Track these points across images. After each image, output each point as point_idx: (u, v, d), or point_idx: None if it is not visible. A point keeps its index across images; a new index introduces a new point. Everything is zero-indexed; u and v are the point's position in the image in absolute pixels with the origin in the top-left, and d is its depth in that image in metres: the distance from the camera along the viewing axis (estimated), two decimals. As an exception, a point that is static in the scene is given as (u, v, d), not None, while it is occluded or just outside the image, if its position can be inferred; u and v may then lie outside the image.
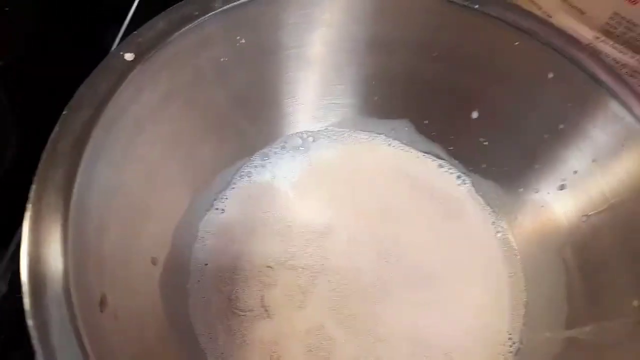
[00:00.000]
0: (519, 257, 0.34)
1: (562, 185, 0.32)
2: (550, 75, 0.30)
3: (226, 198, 0.34)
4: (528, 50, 0.30)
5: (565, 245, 0.32)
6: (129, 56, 0.25)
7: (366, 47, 0.33)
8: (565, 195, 0.32)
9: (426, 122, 0.36)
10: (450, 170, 0.37)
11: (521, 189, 0.34)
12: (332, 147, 0.37)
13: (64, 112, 0.23)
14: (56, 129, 0.22)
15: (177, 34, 0.27)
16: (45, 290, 0.18)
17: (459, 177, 0.37)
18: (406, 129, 0.37)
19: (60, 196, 0.20)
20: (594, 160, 0.30)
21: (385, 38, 0.33)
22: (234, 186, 0.34)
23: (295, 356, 0.29)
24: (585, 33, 0.35)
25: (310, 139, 0.37)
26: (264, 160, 0.35)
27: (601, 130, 0.29)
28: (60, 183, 0.21)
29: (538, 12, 0.36)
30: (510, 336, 0.32)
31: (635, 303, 0.27)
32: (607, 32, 0.34)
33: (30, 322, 0.17)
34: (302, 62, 0.33)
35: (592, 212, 0.30)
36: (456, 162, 0.37)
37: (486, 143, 0.35)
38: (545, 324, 0.31)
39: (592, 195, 0.30)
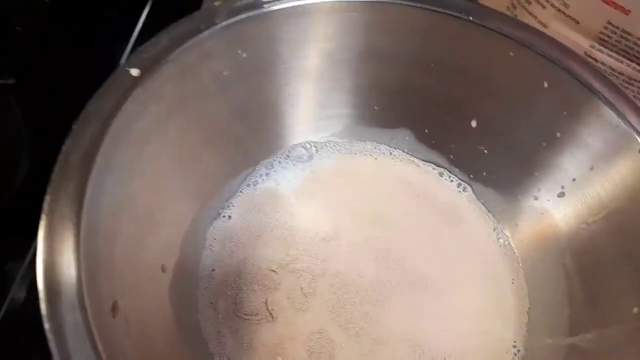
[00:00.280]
0: (520, 263, 0.34)
1: (562, 192, 0.32)
2: (546, 84, 0.31)
3: (233, 205, 0.35)
4: (523, 60, 0.31)
5: (565, 251, 0.32)
6: (134, 72, 0.26)
7: (363, 58, 0.34)
8: (565, 202, 0.32)
9: (426, 131, 0.37)
10: (451, 178, 0.37)
11: (521, 196, 0.35)
12: (334, 156, 0.37)
13: (73, 127, 0.23)
14: (66, 143, 0.23)
15: (180, 49, 0.27)
16: (60, 297, 0.19)
17: (459, 184, 0.37)
18: (406, 138, 0.37)
19: (72, 207, 0.21)
20: (591, 168, 0.31)
21: (382, 50, 0.33)
22: (239, 194, 0.35)
23: (298, 359, 0.30)
24: (580, 42, 0.36)
25: (313, 149, 0.37)
26: (269, 169, 0.36)
27: (597, 138, 0.30)
28: (72, 195, 0.21)
29: (533, 22, 0.37)
30: (514, 343, 0.32)
31: (635, 310, 0.27)
32: (602, 41, 0.35)
33: (46, 326, 0.18)
34: (301, 74, 0.34)
35: (591, 219, 0.31)
36: (457, 170, 0.37)
37: (486, 151, 0.35)
38: (547, 331, 0.32)
39: (591, 202, 0.31)
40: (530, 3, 0.37)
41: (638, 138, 0.28)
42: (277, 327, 0.31)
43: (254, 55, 0.31)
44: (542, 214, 0.34)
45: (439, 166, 0.38)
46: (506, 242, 0.35)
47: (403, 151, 0.38)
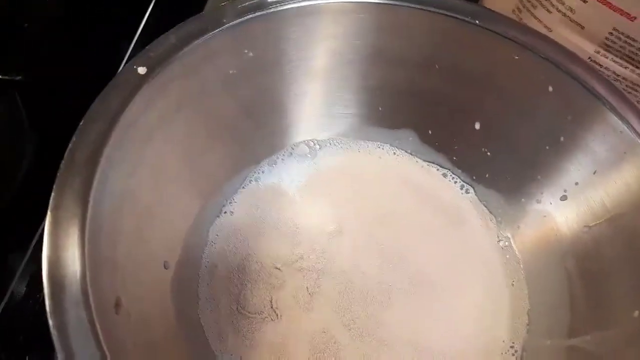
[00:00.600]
0: (521, 265, 0.35)
1: (564, 196, 0.33)
2: (550, 88, 0.31)
3: (235, 202, 0.35)
4: (528, 64, 0.31)
5: (567, 254, 0.32)
6: (141, 70, 0.26)
7: (369, 60, 0.34)
8: (567, 206, 0.32)
9: (430, 132, 0.37)
10: (454, 180, 0.37)
11: (524, 199, 0.35)
12: (338, 154, 0.37)
13: (80, 124, 0.23)
14: (73, 139, 0.23)
15: (187, 48, 0.28)
16: (64, 292, 0.19)
17: (462, 186, 0.37)
18: (410, 138, 0.37)
19: (77, 203, 0.21)
20: (594, 172, 0.31)
21: (388, 52, 0.33)
22: (242, 190, 0.35)
23: (302, 358, 0.30)
24: (585, 47, 0.36)
25: (317, 146, 0.37)
26: (272, 166, 0.36)
27: (601, 143, 0.30)
28: (78, 191, 0.22)
29: (539, 26, 0.37)
30: (512, 344, 0.32)
31: (635, 313, 0.27)
32: (607, 47, 0.35)
33: (51, 322, 0.18)
34: (307, 73, 0.34)
35: (593, 223, 0.31)
36: (459, 171, 0.37)
37: (489, 154, 0.35)
38: (547, 333, 0.32)
39: (593, 206, 0.31)
40: (535, 7, 0.37)
41: (642, 143, 0.28)
42: (281, 325, 0.31)
43: (261, 54, 0.31)
44: (545, 216, 0.34)
45: (442, 167, 0.38)
46: (507, 244, 0.35)
47: (406, 152, 0.38)
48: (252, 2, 0.29)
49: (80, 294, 0.19)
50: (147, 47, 0.27)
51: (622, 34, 0.34)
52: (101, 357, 0.18)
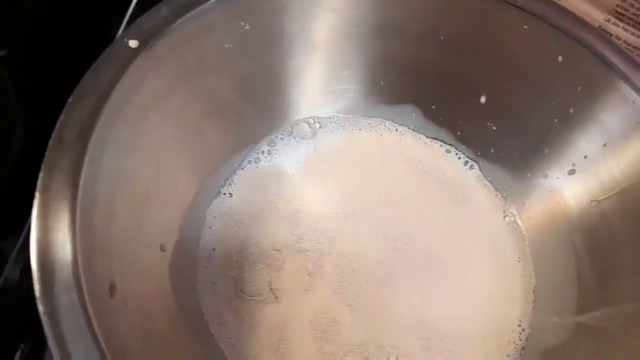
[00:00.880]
0: (527, 242, 0.34)
1: (572, 170, 0.32)
2: (560, 58, 0.30)
3: (233, 183, 0.34)
4: (537, 33, 0.30)
5: (575, 230, 0.31)
6: (133, 43, 0.25)
7: (371, 32, 0.33)
8: (575, 180, 0.32)
9: (433, 107, 0.36)
10: (458, 156, 0.37)
11: (530, 174, 0.34)
12: (339, 132, 0.37)
13: (69, 100, 0.23)
14: (62, 117, 0.22)
15: (180, 20, 0.27)
16: (54, 277, 0.18)
17: (466, 162, 0.36)
18: (413, 114, 0.36)
19: (67, 184, 0.21)
20: (604, 145, 0.30)
21: (391, 23, 0.32)
22: (240, 171, 0.34)
23: (302, 340, 0.30)
24: (595, 15, 0.35)
25: (317, 124, 0.37)
26: (271, 146, 0.35)
27: (612, 114, 0.29)
28: (68, 171, 0.21)
29: (548, -6, 0.36)
30: (519, 322, 0.32)
31: (646, 288, 0.27)
32: (618, 14, 0.34)
33: (40, 308, 0.18)
34: (307, 47, 0.33)
35: (602, 197, 0.30)
36: (464, 147, 0.37)
37: (495, 128, 0.35)
38: (554, 309, 0.31)
39: (603, 180, 0.30)
40: (544, -27, 0.36)
41: (656, 114, 0.27)
42: (280, 307, 0.30)
43: (258, 27, 0.30)
44: (552, 192, 0.33)
45: (446, 143, 0.37)
46: (513, 220, 0.35)
47: (409, 128, 0.37)
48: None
49: (72, 279, 0.18)
50: (138, 20, 0.26)
51: (636, 1, 0.32)
52: (94, 342, 0.18)
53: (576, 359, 0.29)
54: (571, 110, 0.31)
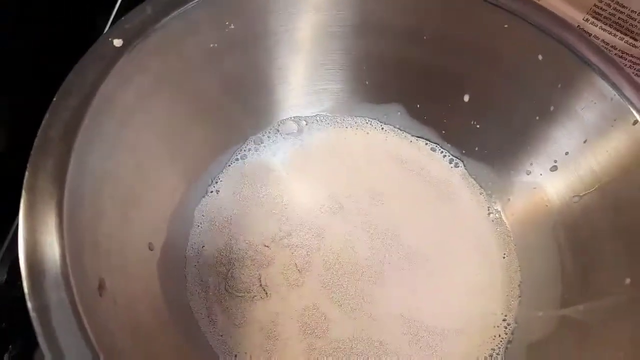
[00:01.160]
0: (512, 238, 0.35)
1: (554, 166, 0.32)
2: (540, 57, 0.30)
3: (220, 180, 0.34)
4: (517, 32, 0.30)
5: (558, 225, 0.32)
6: (117, 42, 0.25)
7: (355, 31, 0.33)
8: (557, 176, 0.32)
9: (418, 106, 0.36)
10: (443, 154, 0.37)
11: (513, 171, 0.35)
12: (325, 131, 0.37)
13: (54, 100, 0.22)
14: (46, 116, 0.22)
15: (165, 19, 0.26)
16: (43, 275, 0.18)
17: (451, 160, 0.37)
18: (398, 113, 0.37)
19: (53, 183, 0.20)
20: (585, 141, 0.30)
21: (375, 22, 0.33)
22: (227, 168, 0.34)
23: (292, 335, 0.30)
24: (574, 15, 0.35)
25: (303, 122, 0.37)
26: (258, 144, 0.35)
27: (591, 111, 0.30)
28: (53, 170, 0.21)
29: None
30: (504, 317, 0.32)
31: (627, 281, 0.28)
32: (596, 14, 0.35)
33: (29, 305, 0.17)
34: (292, 47, 0.33)
35: (583, 192, 0.31)
36: (449, 145, 0.37)
37: (478, 126, 0.35)
38: (539, 304, 0.32)
39: (583, 175, 0.31)
40: (524, -26, 0.36)
41: (633, 110, 0.28)
42: (270, 303, 0.31)
43: (242, 26, 0.30)
44: (535, 188, 0.34)
45: (431, 141, 0.37)
46: (497, 217, 0.35)
47: (394, 127, 0.37)
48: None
49: (61, 276, 0.18)
50: (122, 19, 0.26)
51: (612, 0, 0.33)
52: (84, 338, 0.18)
53: (560, 352, 0.29)
54: (552, 108, 0.31)
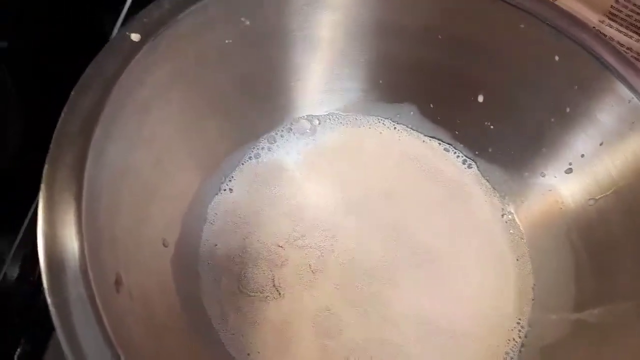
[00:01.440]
0: (525, 240, 0.34)
1: (569, 168, 0.32)
2: (556, 58, 0.30)
3: (234, 179, 0.34)
4: (534, 32, 0.30)
5: (572, 228, 0.32)
6: (135, 37, 0.25)
7: (372, 31, 0.33)
8: (572, 178, 0.32)
9: (431, 106, 0.36)
10: (456, 154, 0.37)
11: (527, 173, 0.34)
12: (339, 130, 0.36)
13: (72, 94, 0.22)
14: (65, 110, 0.22)
15: (182, 14, 0.26)
16: (63, 269, 0.18)
17: (464, 161, 0.37)
18: (412, 113, 0.37)
19: (72, 177, 0.20)
20: (601, 144, 0.30)
21: (391, 22, 0.33)
22: (241, 167, 0.34)
23: (305, 336, 0.30)
24: (589, 16, 0.35)
25: (316, 121, 0.36)
26: (271, 142, 0.35)
27: (608, 113, 0.29)
28: (72, 164, 0.21)
29: (543, -3, 0.36)
30: (518, 320, 0.32)
31: (643, 285, 0.27)
32: (612, 16, 0.34)
33: (49, 300, 0.17)
34: (307, 45, 0.33)
35: (599, 196, 0.30)
36: (462, 146, 0.37)
37: (492, 127, 0.35)
38: (553, 307, 0.31)
39: (599, 179, 0.30)
40: (540, -25, 0.36)
41: (651, 114, 0.28)
42: (283, 304, 0.30)
43: (258, 23, 0.30)
44: (549, 190, 0.33)
45: (444, 142, 0.37)
46: (511, 219, 0.35)
47: (407, 126, 0.37)
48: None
49: (80, 271, 0.18)
50: (140, 13, 0.26)
51: (628, 2, 0.33)
52: (103, 334, 0.17)
53: (574, 356, 0.29)
54: (568, 110, 0.31)
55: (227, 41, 0.30)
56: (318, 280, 0.31)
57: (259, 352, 0.29)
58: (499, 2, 0.30)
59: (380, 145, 0.36)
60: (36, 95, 0.30)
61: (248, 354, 0.29)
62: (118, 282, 0.21)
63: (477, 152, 0.36)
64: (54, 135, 0.21)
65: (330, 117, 0.37)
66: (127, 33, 0.25)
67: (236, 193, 0.33)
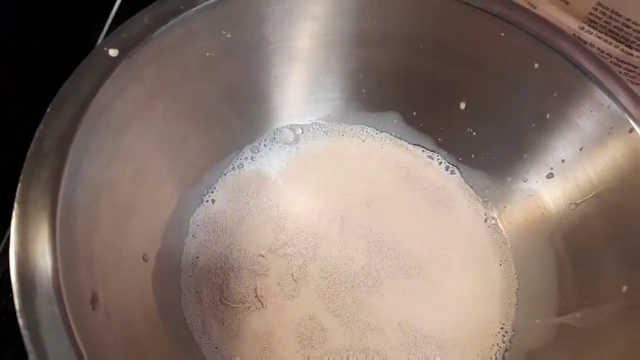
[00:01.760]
0: (509, 245, 0.35)
1: (550, 173, 0.32)
2: (536, 65, 0.30)
3: (216, 189, 0.34)
4: (514, 41, 0.30)
5: (555, 233, 0.32)
6: (113, 52, 0.25)
7: (352, 40, 0.33)
8: (554, 183, 0.32)
9: (414, 113, 0.36)
10: (440, 161, 0.37)
11: (510, 179, 0.35)
12: (322, 139, 0.37)
13: (48, 110, 0.22)
14: (41, 126, 0.22)
15: (161, 29, 0.26)
16: (35, 289, 0.18)
17: (447, 167, 0.37)
18: (395, 121, 0.37)
19: (47, 194, 0.20)
20: (581, 149, 0.31)
21: (371, 31, 0.33)
22: (223, 177, 0.34)
23: (288, 346, 0.29)
24: (569, 23, 0.35)
25: (300, 130, 0.36)
26: (254, 152, 0.35)
27: (587, 119, 0.30)
28: (47, 181, 0.20)
29: (523, 3, 0.36)
30: (502, 325, 0.32)
31: (624, 288, 0.27)
32: (591, 22, 0.35)
33: (20, 322, 0.17)
34: (288, 56, 0.33)
35: (580, 200, 0.31)
36: (445, 153, 0.37)
37: (474, 133, 0.35)
38: (537, 312, 0.32)
39: (580, 183, 0.31)
40: (519, -18, 0.37)
41: (629, 119, 0.28)
42: (266, 314, 0.30)
43: (239, 35, 0.30)
44: (531, 195, 0.34)
45: (427, 149, 0.37)
46: (494, 224, 0.35)
47: (391, 134, 0.37)
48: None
49: (53, 290, 0.18)
50: (118, 28, 0.25)
51: (607, 8, 0.33)
52: (77, 356, 0.17)
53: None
54: (548, 116, 0.31)
55: (208, 54, 0.30)
56: (300, 289, 0.31)
57: (241, 365, 0.29)
58: (480, 10, 0.30)
59: (364, 153, 0.36)
60: (17, 108, 0.30)
61: (231, 367, 0.29)
62: (94, 300, 0.20)
63: (460, 159, 0.37)
64: (29, 151, 0.21)
65: (314, 126, 0.37)
66: (105, 48, 0.25)
67: (218, 204, 0.33)
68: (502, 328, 0.32)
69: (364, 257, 0.33)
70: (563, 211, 0.32)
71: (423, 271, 0.33)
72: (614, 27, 0.34)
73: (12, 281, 0.18)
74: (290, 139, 0.36)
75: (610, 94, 0.29)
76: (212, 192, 0.34)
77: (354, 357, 0.30)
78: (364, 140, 0.37)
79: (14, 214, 0.19)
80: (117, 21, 0.37)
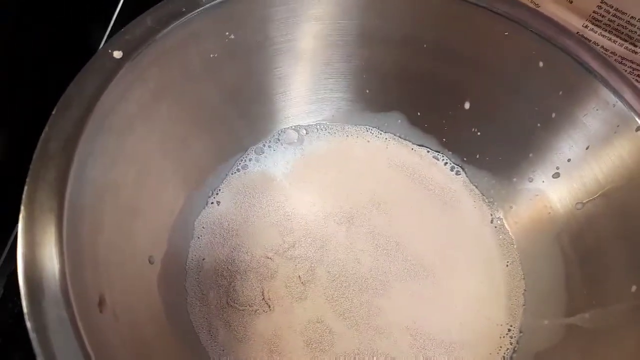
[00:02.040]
0: (515, 246, 0.34)
1: (557, 173, 0.32)
2: (541, 64, 0.30)
3: (221, 191, 0.33)
4: (518, 39, 0.30)
5: (561, 233, 0.32)
6: (117, 54, 0.25)
7: (356, 40, 0.33)
8: (560, 183, 0.32)
9: (418, 114, 0.36)
10: (445, 162, 0.37)
11: (515, 179, 0.34)
12: (326, 140, 0.36)
13: (53, 112, 0.22)
14: (46, 129, 0.22)
15: (165, 30, 0.26)
16: (42, 292, 0.18)
17: (453, 168, 0.37)
18: (399, 121, 0.37)
19: (53, 197, 0.20)
20: (587, 148, 0.30)
21: (375, 31, 0.33)
22: (228, 179, 0.34)
23: (295, 350, 0.29)
24: (573, 21, 0.35)
25: (304, 131, 0.36)
26: (259, 154, 0.35)
27: (593, 118, 0.30)
28: (53, 183, 0.20)
29: (526, 2, 0.36)
30: (510, 327, 0.32)
31: (633, 288, 0.27)
32: (595, 21, 0.35)
33: (29, 325, 0.17)
34: (292, 56, 0.33)
35: (586, 199, 0.31)
36: (450, 153, 0.37)
37: (479, 133, 0.35)
38: (544, 312, 0.31)
39: (586, 183, 0.31)
40: (523, -19, 0.37)
41: (635, 117, 0.28)
42: (273, 317, 0.30)
43: (242, 36, 0.30)
44: (537, 195, 0.33)
45: (432, 149, 0.37)
46: (500, 224, 0.35)
47: (395, 135, 0.37)
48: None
49: (60, 293, 0.18)
50: (122, 30, 0.25)
51: (611, 6, 0.33)
52: (85, 358, 0.17)
53: (567, 361, 0.29)
54: (553, 115, 0.31)
55: (211, 55, 0.30)
56: (308, 292, 0.31)
57: (249, 368, 0.28)
58: (483, 9, 0.30)
59: (369, 153, 0.36)
60: (21, 111, 0.30)
61: (238, 370, 0.28)
62: (102, 303, 0.20)
63: (465, 159, 0.36)
64: (35, 153, 0.21)
65: (318, 126, 0.37)
66: (109, 50, 0.24)
67: (223, 206, 0.33)
68: (509, 329, 0.32)
69: (371, 260, 0.32)
70: (570, 211, 0.31)
71: (430, 273, 0.33)
72: (618, 25, 0.34)
73: (20, 284, 0.18)
74: (295, 140, 0.36)
75: (615, 92, 0.28)
76: (217, 193, 0.33)
77: (363, 360, 0.29)
78: (368, 141, 0.37)
79: (20, 216, 0.19)
80: (119, 23, 0.37)
